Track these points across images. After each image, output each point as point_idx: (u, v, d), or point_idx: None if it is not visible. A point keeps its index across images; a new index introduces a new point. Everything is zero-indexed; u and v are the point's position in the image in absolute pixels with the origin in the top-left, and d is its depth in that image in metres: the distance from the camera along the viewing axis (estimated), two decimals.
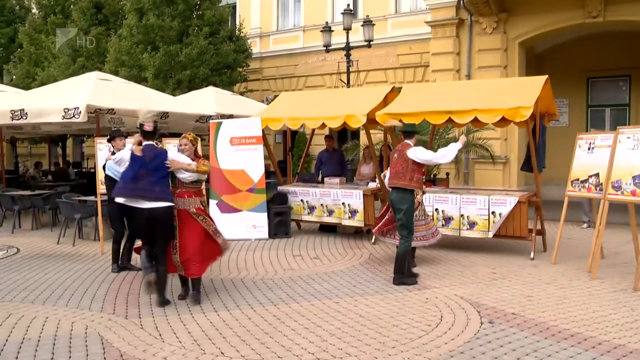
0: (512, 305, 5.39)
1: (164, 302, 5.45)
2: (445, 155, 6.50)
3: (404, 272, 6.24)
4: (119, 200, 5.53)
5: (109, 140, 7.44)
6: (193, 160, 5.64)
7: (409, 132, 6.58)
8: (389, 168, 6.69)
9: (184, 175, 5.55)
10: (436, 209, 8.07)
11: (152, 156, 5.46)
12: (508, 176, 12.90)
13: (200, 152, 6.20)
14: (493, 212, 7.66)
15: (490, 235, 7.73)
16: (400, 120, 7.65)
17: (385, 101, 9.17)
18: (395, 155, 6.48)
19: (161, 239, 5.47)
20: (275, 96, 12.99)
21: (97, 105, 9.04)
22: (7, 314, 5.22)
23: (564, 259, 7.47)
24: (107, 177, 7.26)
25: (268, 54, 19.02)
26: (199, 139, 6.12)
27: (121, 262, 7.03)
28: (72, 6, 18.70)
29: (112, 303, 5.55)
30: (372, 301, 5.55)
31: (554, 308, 5.29)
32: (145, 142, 5.50)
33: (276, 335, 4.57)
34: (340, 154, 11.12)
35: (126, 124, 10.38)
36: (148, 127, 5.50)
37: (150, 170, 5.42)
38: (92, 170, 15.74)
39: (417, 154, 6.32)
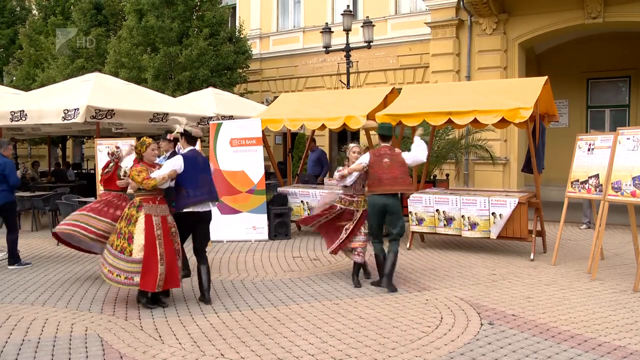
0: (512, 306, 5.39)
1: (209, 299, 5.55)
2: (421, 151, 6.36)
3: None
4: (196, 209, 5.47)
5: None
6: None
7: (387, 135, 6.19)
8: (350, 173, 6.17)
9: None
10: (437, 210, 8.07)
11: (202, 160, 5.67)
12: (508, 177, 12.90)
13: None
14: (493, 213, 7.66)
15: (494, 236, 7.70)
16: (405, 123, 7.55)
17: (385, 102, 9.19)
18: (387, 160, 6.04)
19: (205, 239, 5.74)
20: (275, 97, 13.01)
21: (97, 106, 9.05)
22: (7, 315, 5.22)
23: (564, 260, 7.48)
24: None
25: (268, 55, 19.01)
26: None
27: None
28: (72, 7, 18.73)
29: (112, 304, 5.55)
30: (372, 302, 5.55)
31: (554, 309, 5.29)
32: (189, 147, 5.64)
33: (276, 337, 4.57)
34: (318, 152, 11.91)
35: (125, 125, 10.39)
36: (196, 133, 5.66)
37: (207, 174, 5.66)
38: (92, 171, 15.74)
39: (407, 157, 6.17)
